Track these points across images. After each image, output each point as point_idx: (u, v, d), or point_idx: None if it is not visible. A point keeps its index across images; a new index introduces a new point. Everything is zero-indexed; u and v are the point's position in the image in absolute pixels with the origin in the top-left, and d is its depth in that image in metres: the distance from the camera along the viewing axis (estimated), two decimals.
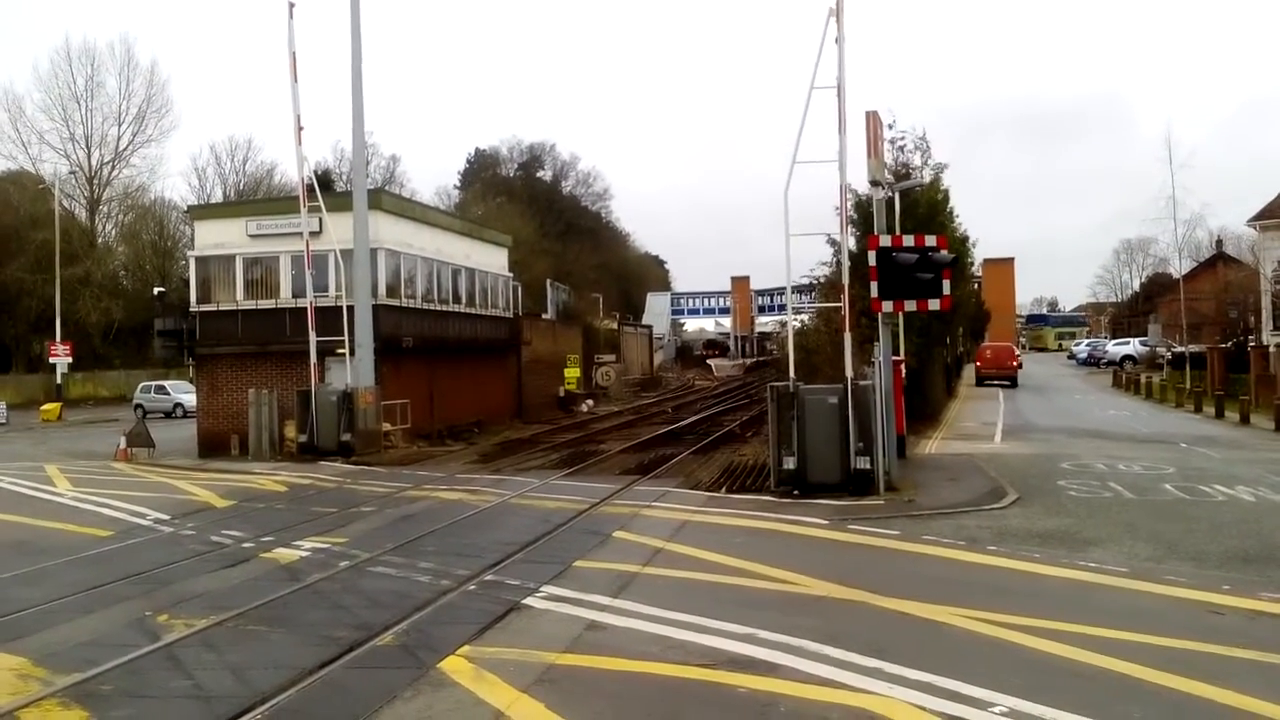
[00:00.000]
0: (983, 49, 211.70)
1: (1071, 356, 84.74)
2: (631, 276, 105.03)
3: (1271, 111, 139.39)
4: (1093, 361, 76.25)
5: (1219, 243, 71.09)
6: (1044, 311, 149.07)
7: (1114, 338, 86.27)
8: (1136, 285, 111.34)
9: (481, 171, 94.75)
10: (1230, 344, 48.23)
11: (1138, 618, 9.51)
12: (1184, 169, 57.46)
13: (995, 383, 53.06)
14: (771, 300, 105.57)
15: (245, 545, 14.51)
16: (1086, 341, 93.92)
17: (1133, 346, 67.48)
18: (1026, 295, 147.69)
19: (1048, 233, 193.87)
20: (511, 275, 42.44)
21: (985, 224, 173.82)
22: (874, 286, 17.61)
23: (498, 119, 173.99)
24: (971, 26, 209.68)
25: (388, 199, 35.06)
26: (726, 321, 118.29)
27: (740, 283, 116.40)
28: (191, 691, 8.07)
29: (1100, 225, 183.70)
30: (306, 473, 23.77)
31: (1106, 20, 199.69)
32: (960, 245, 34.88)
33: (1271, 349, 42.05)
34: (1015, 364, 55.35)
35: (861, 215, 26.62)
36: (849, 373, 17.50)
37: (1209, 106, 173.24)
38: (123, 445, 28.81)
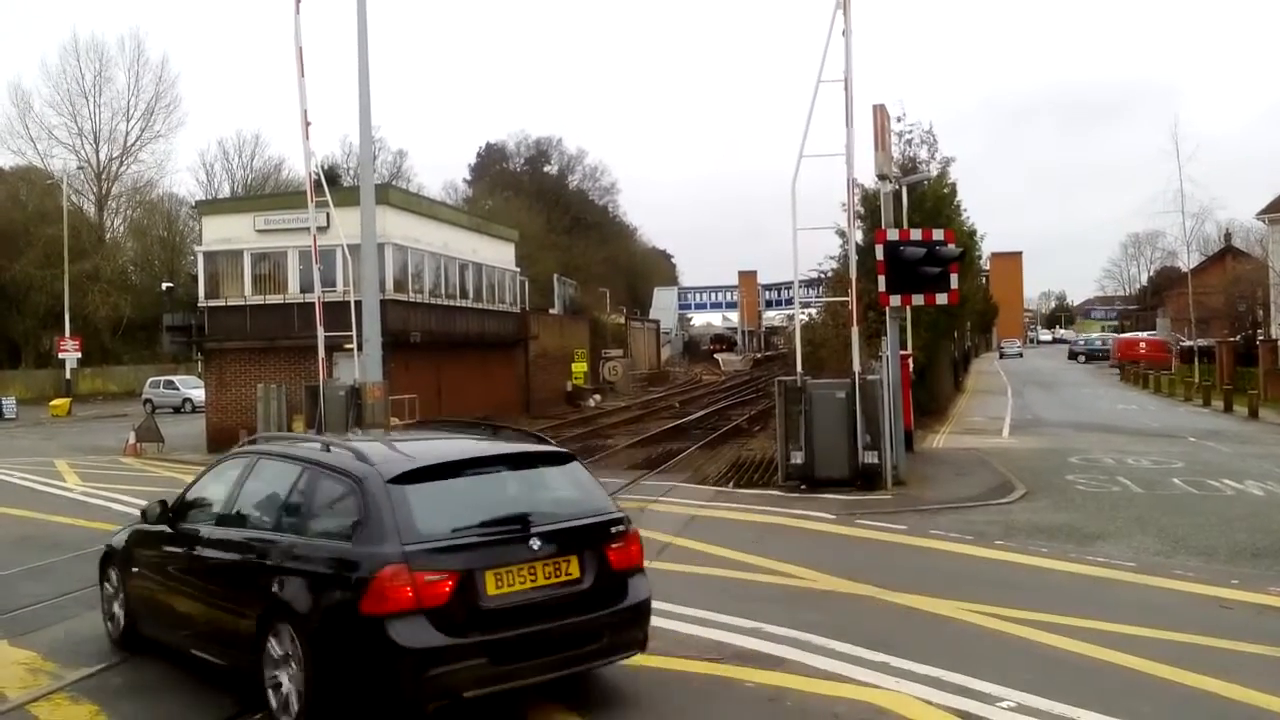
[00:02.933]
0: (1000, 40, 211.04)
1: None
2: (639, 271, 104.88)
3: None
4: (1071, 356, 77.40)
5: (1228, 236, 70.75)
6: (1053, 305, 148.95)
7: (1122, 332, 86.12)
8: (1145, 279, 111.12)
9: (491, 165, 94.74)
10: (1239, 338, 48.01)
11: (1146, 612, 9.50)
12: (1192, 161, 56.91)
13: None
14: (779, 295, 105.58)
15: None
16: (1082, 337, 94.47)
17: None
18: (1035, 289, 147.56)
19: (1064, 226, 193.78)
20: (519, 270, 42.46)
21: (996, 217, 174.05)
22: (881, 281, 17.56)
23: (505, 113, 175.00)
24: (989, 17, 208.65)
25: (395, 194, 35.09)
26: (734, 316, 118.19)
27: (747, 277, 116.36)
28: (201, 685, 8.10)
29: (1120, 218, 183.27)
30: None
31: (1146, 8, 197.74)
32: (968, 239, 34.81)
33: None
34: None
35: (869, 209, 26.56)
36: (856, 367, 17.48)
37: (1248, 99, 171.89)
38: (132, 440, 28.90)
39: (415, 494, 6.48)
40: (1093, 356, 74.97)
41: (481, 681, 6.24)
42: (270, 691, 6.71)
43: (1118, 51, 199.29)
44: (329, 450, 7.29)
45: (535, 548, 6.48)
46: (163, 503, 8.40)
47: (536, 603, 6.44)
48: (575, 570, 6.66)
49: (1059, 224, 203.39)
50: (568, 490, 7.21)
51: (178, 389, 49.82)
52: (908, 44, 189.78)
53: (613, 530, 6.95)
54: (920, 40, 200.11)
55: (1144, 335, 65.88)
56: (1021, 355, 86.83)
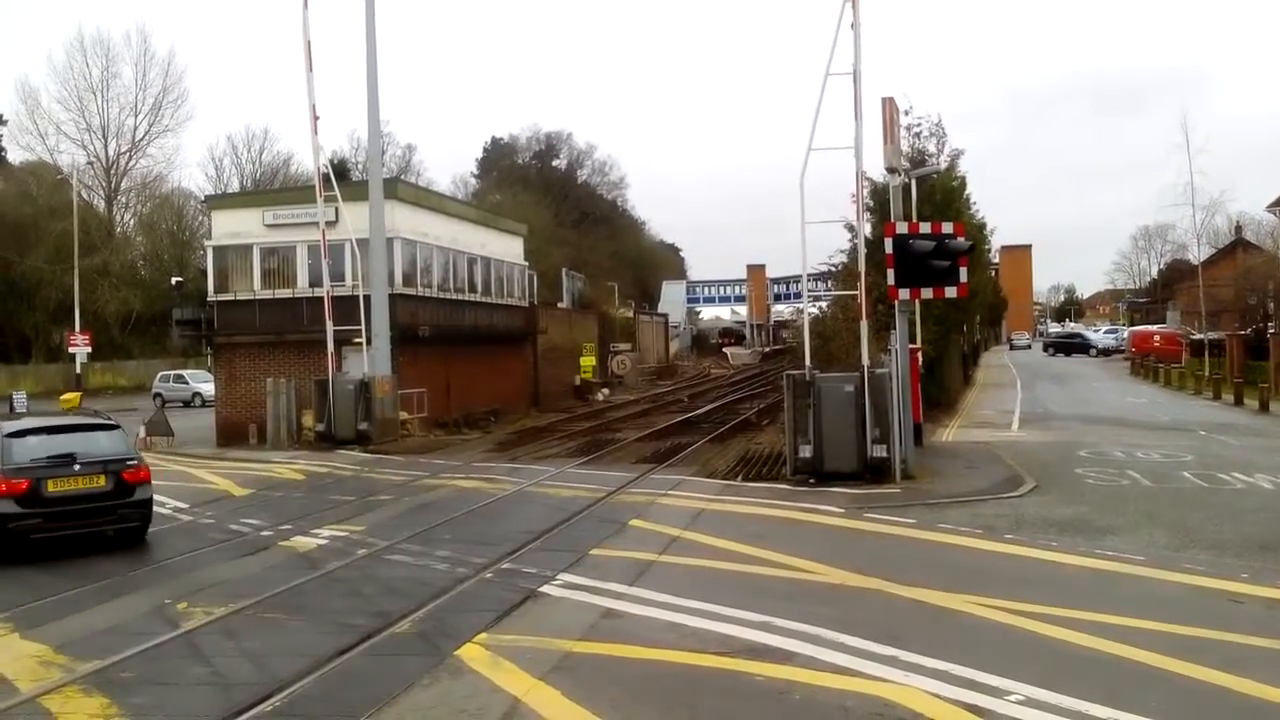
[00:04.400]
0: (1016, 34, 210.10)
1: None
2: (647, 265, 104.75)
3: None
4: (1045, 348, 77.50)
5: (1238, 229, 70.37)
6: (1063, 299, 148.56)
7: (1131, 325, 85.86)
8: (1154, 272, 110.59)
9: (499, 160, 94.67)
10: (1250, 331, 47.77)
11: (1156, 606, 9.48)
12: (1203, 154, 56.36)
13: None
14: (788, 288, 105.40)
15: (264, 533, 14.63)
16: (1056, 329, 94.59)
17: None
18: (1045, 282, 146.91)
19: (1076, 219, 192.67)
20: (527, 264, 42.44)
21: (1008, 210, 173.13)
22: (890, 274, 17.51)
23: (514, 107, 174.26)
24: (1003, 7, 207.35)
25: (403, 188, 35.10)
26: (742, 310, 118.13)
27: (756, 271, 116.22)
28: (210, 678, 8.16)
29: (1133, 211, 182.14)
30: (324, 461, 23.89)
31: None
32: (977, 232, 34.70)
33: None
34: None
35: (878, 202, 26.49)
36: (865, 360, 17.44)
37: (1263, 93, 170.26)
38: (142, 434, 28.95)
39: (16, 442, 13.27)
40: (1064, 349, 73.75)
41: (39, 530, 12.97)
42: None
43: (1136, 43, 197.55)
44: None
45: (77, 469, 13.14)
46: None
47: (77, 496, 13.14)
48: (103, 482, 13.30)
49: (1071, 217, 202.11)
50: (109, 444, 13.86)
51: (187, 383, 49.90)
52: (922, 37, 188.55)
53: (128, 463, 13.62)
54: (936, 33, 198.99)
55: (1156, 328, 65.72)
56: (1030, 348, 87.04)
